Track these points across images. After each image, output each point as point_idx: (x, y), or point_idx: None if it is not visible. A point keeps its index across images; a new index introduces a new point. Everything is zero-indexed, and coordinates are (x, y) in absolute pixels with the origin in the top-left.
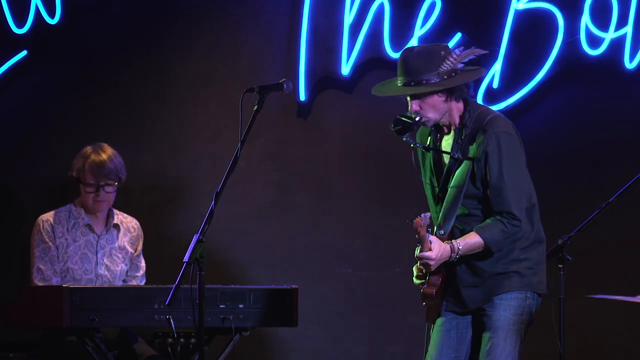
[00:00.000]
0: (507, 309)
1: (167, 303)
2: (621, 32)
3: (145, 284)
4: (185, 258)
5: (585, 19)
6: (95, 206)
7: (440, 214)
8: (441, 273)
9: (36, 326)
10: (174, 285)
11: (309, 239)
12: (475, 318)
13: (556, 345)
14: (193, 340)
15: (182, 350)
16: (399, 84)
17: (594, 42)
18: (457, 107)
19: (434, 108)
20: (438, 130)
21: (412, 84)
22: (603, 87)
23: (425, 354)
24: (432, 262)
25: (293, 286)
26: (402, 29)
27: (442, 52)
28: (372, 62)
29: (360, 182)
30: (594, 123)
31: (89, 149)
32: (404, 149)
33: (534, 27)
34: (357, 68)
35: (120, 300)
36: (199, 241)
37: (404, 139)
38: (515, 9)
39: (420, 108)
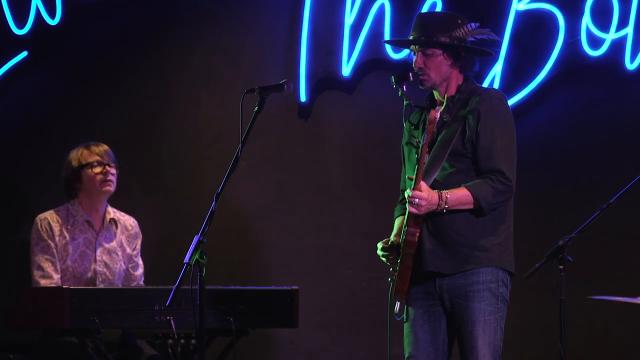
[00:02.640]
0: (481, 301)
1: (167, 304)
2: (622, 33)
3: (146, 284)
4: (186, 259)
5: (586, 20)
6: (103, 186)
7: (424, 169)
8: (420, 227)
9: (37, 328)
10: (175, 286)
11: (310, 240)
12: (448, 309)
13: (557, 346)
14: (193, 341)
15: (182, 352)
16: (410, 38)
17: (595, 43)
18: (457, 79)
19: (437, 69)
20: (431, 105)
21: (422, 38)
22: (604, 88)
23: (390, 349)
24: (423, 203)
25: (294, 287)
26: (402, 30)
27: (459, 20)
28: (372, 63)
29: (360, 183)
30: (594, 124)
31: (81, 144)
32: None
33: (535, 28)
34: (358, 69)
35: (121, 302)
36: (199, 242)
37: (399, 93)
38: (516, 10)
39: (424, 65)
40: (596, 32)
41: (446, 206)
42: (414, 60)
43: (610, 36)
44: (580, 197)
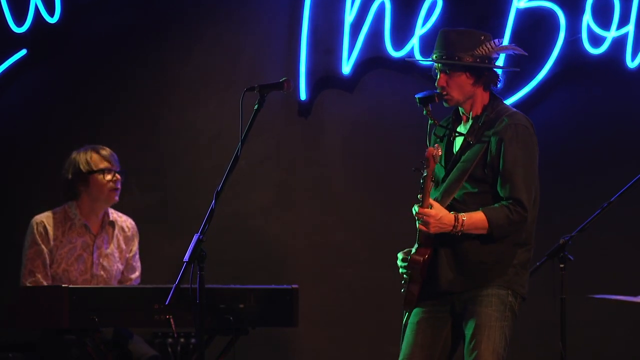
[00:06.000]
0: (488, 305)
1: (167, 303)
2: (623, 31)
3: (145, 284)
4: (186, 257)
5: (587, 18)
6: (112, 195)
7: (440, 190)
8: (431, 247)
9: (36, 327)
10: (174, 285)
11: (309, 239)
12: (456, 315)
13: (557, 345)
14: (193, 340)
15: (182, 351)
16: (434, 57)
17: (596, 41)
18: (482, 97)
19: (460, 88)
20: (457, 120)
21: (444, 57)
22: (604, 86)
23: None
24: (431, 220)
25: (293, 286)
26: (402, 28)
27: (482, 37)
28: (372, 61)
29: (360, 182)
30: (595, 122)
31: (87, 147)
32: (404, 149)
33: (536, 26)
34: (358, 67)
35: (120, 300)
36: (199, 241)
37: (424, 112)
38: (517, 8)
39: (447, 84)
40: (597, 30)
41: (462, 229)
42: (437, 78)
43: (611, 34)
44: (580, 195)
